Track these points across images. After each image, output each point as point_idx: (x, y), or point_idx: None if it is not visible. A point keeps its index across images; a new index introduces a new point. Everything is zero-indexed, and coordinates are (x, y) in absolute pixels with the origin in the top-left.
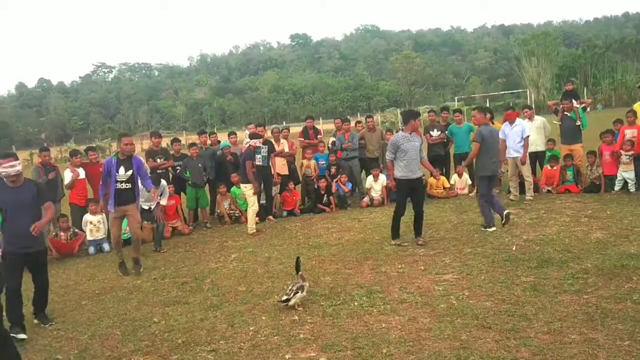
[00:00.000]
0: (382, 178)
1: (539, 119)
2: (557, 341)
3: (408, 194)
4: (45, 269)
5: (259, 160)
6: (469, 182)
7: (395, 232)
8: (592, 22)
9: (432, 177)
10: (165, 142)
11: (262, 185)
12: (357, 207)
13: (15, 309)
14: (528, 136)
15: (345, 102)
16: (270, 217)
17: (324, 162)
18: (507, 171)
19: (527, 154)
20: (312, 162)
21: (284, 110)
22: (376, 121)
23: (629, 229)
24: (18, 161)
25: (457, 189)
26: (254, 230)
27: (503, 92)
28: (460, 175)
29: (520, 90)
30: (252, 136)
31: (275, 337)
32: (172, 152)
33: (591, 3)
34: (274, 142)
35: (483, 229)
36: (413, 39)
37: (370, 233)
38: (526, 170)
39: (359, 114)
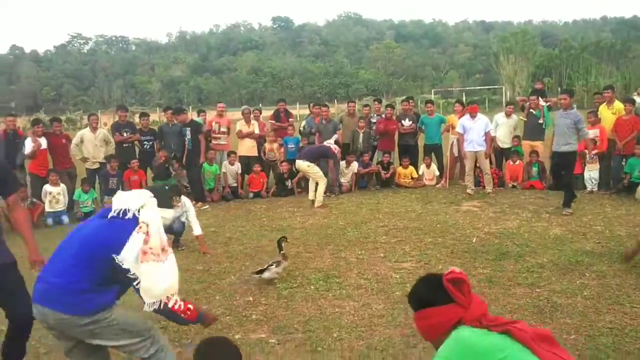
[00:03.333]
0: (354, 165)
1: (514, 118)
2: None
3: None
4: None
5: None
6: (437, 173)
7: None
8: (570, 24)
9: (400, 167)
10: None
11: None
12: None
13: None
14: (490, 130)
15: (324, 88)
16: (199, 203)
17: (293, 145)
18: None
19: (491, 148)
20: (276, 145)
21: (262, 92)
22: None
23: (587, 227)
24: None
25: (424, 179)
26: (321, 203)
27: (480, 87)
28: (428, 166)
29: (497, 87)
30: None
31: (228, 317)
32: (139, 127)
33: (571, 5)
34: (244, 123)
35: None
36: (395, 29)
37: (334, 218)
38: (486, 164)
39: (336, 101)
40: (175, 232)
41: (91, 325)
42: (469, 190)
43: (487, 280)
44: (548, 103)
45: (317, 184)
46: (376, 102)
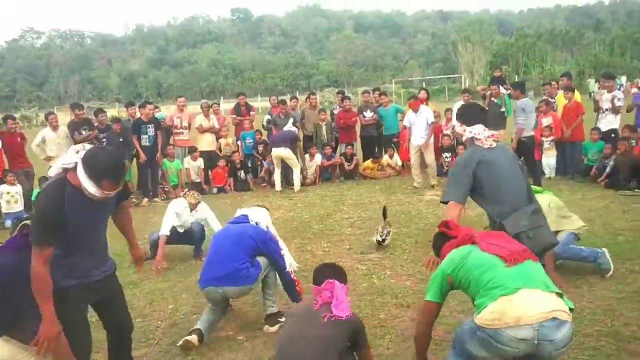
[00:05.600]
0: (318, 157)
1: None
2: None
3: None
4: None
5: (145, 141)
6: (399, 162)
7: None
8: (525, 12)
9: (368, 160)
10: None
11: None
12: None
13: None
14: (433, 122)
15: (286, 80)
16: (157, 198)
17: (251, 140)
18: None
19: (431, 140)
20: (231, 139)
21: (222, 85)
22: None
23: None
24: None
25: (388, 170)
26: (299, 188)
27: (440, 77)
28: (391, 157)
29: (456, 75)
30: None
31: (194, 316)
32: (96, 123)
33: None
34: (204, 118)
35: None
36: (354, 19)
37: (299, 212)
38: (430, 157)
39: (297, 92)
40: (197, 240)
41: None
42: (415, 184)
43: None
44: (509, 91)
45: (281, 174)
46: (339, 95)
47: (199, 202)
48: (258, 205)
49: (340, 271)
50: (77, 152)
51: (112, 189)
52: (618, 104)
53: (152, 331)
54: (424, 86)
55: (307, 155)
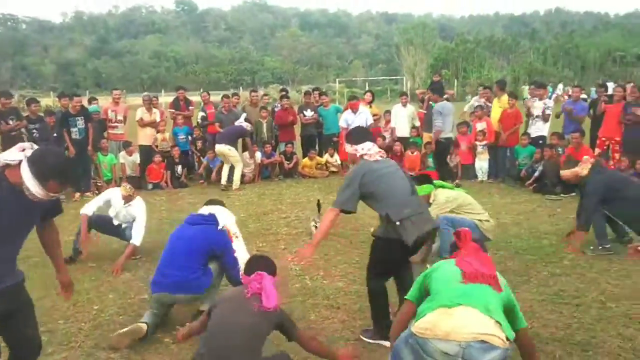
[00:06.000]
0: (257, 155)
1: (410, 108)
2: None
3: None
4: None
5: (75, 134)
6: (339, 162)
7: None
8: (466, 19)
9: (306, 158)
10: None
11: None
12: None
13: None
14: (372, 124)
15: (230, 74)
16: (89, 193)
17: (183, 136)
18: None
19: None
20: (168, 134)
21: (164, 77)
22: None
23: None
24: None
25: (327, 169)
26: (238, 186)
27: (382, 78)
28: (331, 156)
29: (398, 77)
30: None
31: (121, 317)
32: (27, 114)
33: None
34: (145, 111)
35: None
36: (300, 17)
37: (236, 210)
38: None
39: (242, 87)
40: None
41: None
42: None
43: None
44: (446, 95)
45: (231, 168)
46: (281, 92)
47: (131, 196)
48: (213, 201)
49: (270, 264)
50: (23, 149)
51: (57, 190)
52: (547, 112)
53: (75, 334)
54: (367, 86)
55: (246, 153)
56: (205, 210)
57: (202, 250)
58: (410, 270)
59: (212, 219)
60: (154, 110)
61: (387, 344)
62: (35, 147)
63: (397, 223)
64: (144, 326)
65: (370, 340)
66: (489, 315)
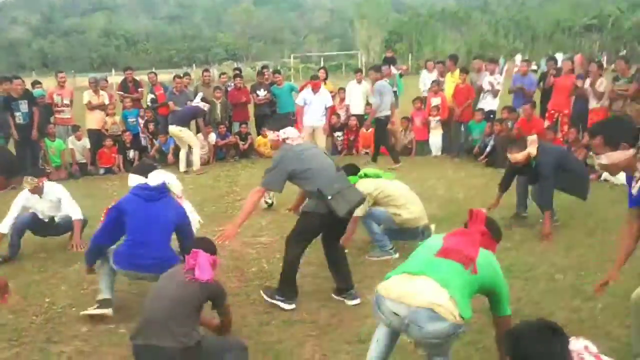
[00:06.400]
0: (212, 137)
1: (365, 85)
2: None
3: None
4: None
5: (19, 118)
6: None
7: None
8: None
9: (260, 136)
10: None
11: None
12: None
13: None
14: (333, 106)
15: (182, 52)
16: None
17: (133, 119)
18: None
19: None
20: (118, 117)
21: (114, 56)
22: (213, 75)
23: (431, 191)
24: None
25: None
26: (199, 167)
27: (338, 53)
28: None
29: (353, 52)
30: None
31: (74, 309)
32: None
33: None
34: (93, 94)
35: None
36: None
37: (192, 193)
38: (322, 140)
39: (195, 65)
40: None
41: None
42: None
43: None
44: (399, 71)
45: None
46: (236, 71)
47: (38, 186)
48: (146, 167)
49: (209, 243)
50: None
51: (4, 186)
52: (497, 87)
53: (25, 328)
54: (322, 62)
55: (200, 135)
56: (152, 180)
57: (171, 227)
58: (345, 261)
59: (164, 189)
60: (102, 92)
61: (284, 305)
62: None
63: (329, 197)
64: (110, 311)
65: (269, 299)
66: (445, 289)
